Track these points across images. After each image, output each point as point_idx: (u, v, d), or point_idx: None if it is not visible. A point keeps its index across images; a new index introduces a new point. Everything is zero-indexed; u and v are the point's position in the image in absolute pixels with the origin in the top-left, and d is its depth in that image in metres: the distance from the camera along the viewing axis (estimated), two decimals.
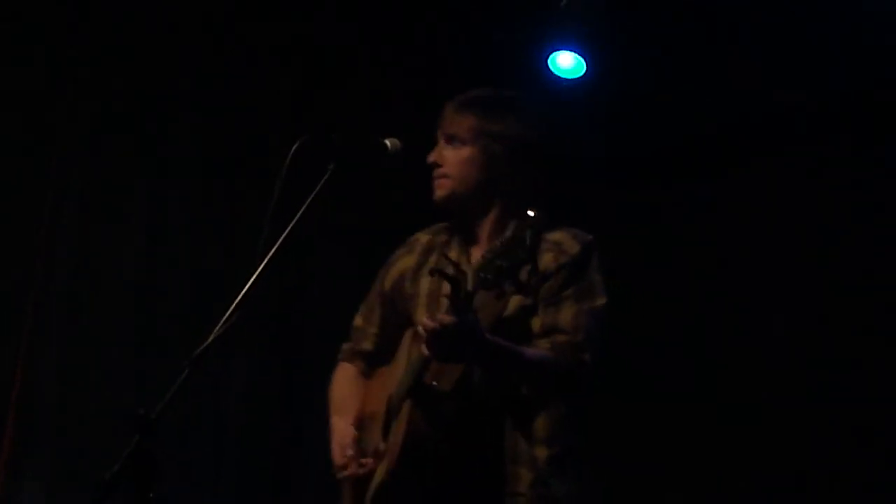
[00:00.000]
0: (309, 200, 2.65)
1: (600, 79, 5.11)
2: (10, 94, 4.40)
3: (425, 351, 2.54)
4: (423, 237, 3.04)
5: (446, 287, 2.51)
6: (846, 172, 4.90)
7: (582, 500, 2.78)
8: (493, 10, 5.11)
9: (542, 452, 2.73)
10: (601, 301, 2.80)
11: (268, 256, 2.52)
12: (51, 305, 4.37)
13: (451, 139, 2.90)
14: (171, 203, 4.75)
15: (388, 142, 2.80)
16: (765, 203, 5.09)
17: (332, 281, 4.85)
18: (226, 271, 4.69)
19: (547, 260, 2.73)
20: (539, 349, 2.73)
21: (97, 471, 2.24)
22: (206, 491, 4.58)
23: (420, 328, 2.55)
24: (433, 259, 2.91)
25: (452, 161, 2.88)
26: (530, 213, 2.37)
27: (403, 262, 3.01)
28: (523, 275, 2.40)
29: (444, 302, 2.61)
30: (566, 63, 5.10)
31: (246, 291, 2.47)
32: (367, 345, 3.07)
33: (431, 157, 2.91)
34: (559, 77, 5.12)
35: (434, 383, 2.66)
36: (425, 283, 2.89)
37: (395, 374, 2.80)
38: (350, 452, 2.83)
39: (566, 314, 2.75)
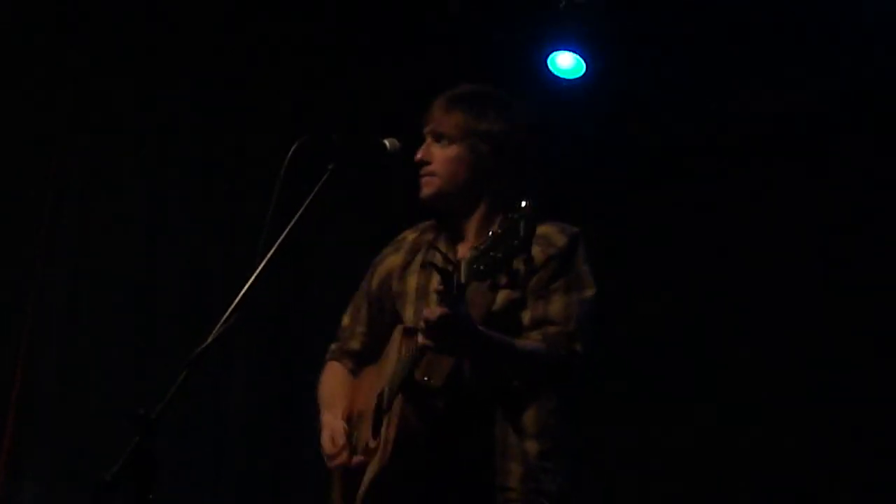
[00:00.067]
0: (308, 200, 2.65)
1: (600, 79, 5.11)
2: (10, 95, 4.40)
3: (423, 342, 2.53)
4: (409, 235, 3.04)
5: (435, 283, 2.49)
6: (846, 172, 4.90)
7: (573, 496, 2.78)
8: (493, 10, 5.12)
9: (532, 447, 2.72)
10: (590, 291, 2.79)
11: (267, 256, 2.52)
12: (51, 305, 4.38)
13: (438, 137, 2.89)
14: (171, 203, 4.75)
15: (387, 141, 2.80)
16: (765, 203, 5.09)
17: (332, 281, 4.84)
18: (226, 271, 4.69)
19: (535, 253, 2.71)
20: (531, 341, 2.72)
21: (97, 471, 2.24)
22: (206, 491, 4.58)
23: (421, 322, 2.54)
24: (420, 257, 2.90)
25: (440, 159, 2.87)
26: (523, 204, 2.36)
27: (390, 260, 3.01)
28: (518, 265, 2.39)
29: (434, 297, 2.60)
30: (566, 63, 5.11)
31: (246, 291, 2.47)
32: (354, 344, 3.06)
33: (419, 155, 2.90)
34: (559, 77, 5.13)
35: (426, 378, 2.66)
36: (413, 280, 2.89)
37: (384, 372, 2.79)
38: (342, 441, 2.82)
39: (556, 305, 2.74)
